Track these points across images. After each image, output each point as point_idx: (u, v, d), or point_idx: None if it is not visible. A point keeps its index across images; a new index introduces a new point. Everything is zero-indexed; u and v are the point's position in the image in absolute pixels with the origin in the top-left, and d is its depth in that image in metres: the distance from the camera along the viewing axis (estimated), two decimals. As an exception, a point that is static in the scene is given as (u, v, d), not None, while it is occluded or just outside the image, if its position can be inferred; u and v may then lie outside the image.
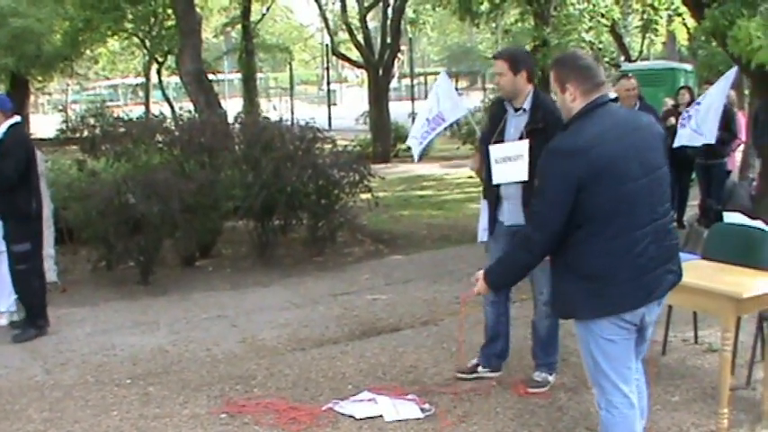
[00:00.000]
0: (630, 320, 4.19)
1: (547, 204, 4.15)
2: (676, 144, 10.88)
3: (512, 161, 5.96)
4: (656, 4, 27.19)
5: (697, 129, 10.74)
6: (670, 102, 14.17)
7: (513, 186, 6.03)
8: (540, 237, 4.19)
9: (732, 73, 10.51)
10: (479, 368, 6.52)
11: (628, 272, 4.09)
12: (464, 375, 6.51)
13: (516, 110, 6.07)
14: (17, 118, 8.20)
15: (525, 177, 5.84)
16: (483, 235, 6.98)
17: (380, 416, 5.83)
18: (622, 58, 30.05)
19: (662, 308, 4.51)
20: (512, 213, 6.09)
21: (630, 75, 10.32)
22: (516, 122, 6.06)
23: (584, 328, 4.27)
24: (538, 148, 5.72)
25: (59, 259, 10.42)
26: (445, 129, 8.76)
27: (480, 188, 7.23)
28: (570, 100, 4.22)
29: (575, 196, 4.02)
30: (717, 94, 10.57)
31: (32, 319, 8.21)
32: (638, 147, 4.11)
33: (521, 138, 5.95)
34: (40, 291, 8.33)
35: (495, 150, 6.09)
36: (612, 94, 4.41)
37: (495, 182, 6.13)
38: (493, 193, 6.26)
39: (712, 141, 10.71)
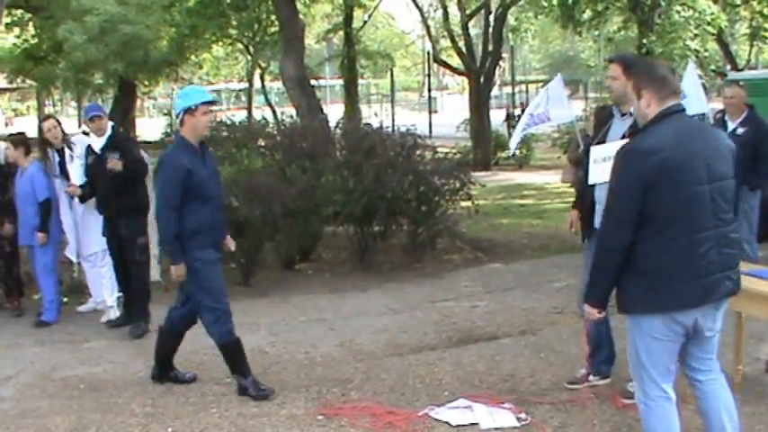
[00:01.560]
0: (682, 322, 4.39)
1: (619, 199, 4.41)
2: None
3: (609, 160, 5.93)
4: (765, 11, 26.59)
5: None
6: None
7: (606, 188, 5.99)
8: (613, 229, 4.41)
9: None
10: (590, 377, 6.46)
11: (685, 272, 4.30)
12: (574, 386, 6.47)
13: (623, 114, 6.07)
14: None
15: None
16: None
17: (476, 423, 5.83)
18: (728, 67, 29.41)
19: (723, 313, 4.54)
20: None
21: (734, 83, 9.97)
22: (621, 126, 6.05)
23: (635, 323, 4.49)
24: None
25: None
26: (547, 126, 8.76)
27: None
28: (645, 106, 4.48)
29: (643, 194, 4.27)
30: None
31: (143, 315, 8.59)
32: (707, 155, 4.33)
33: (623, 138, 5.91)
34: (149, 285, 8.83)
35: (595, 151, 6.10)
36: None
37: (590, 182, 6.13)
38: (588, 197, 6.24)
39: None
